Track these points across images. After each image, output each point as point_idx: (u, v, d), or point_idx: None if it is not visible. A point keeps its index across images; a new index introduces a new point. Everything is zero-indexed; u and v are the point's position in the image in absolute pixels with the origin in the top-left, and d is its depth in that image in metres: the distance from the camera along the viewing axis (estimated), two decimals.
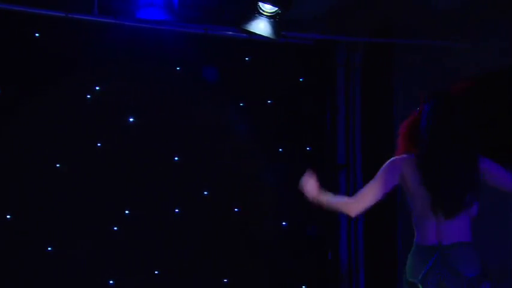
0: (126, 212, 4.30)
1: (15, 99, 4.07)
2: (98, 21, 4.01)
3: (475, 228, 2.72)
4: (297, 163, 4.72)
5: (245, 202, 4.57)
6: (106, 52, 4.22)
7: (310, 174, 2.89)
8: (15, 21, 4.00)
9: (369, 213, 4.97)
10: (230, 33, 4.30)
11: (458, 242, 2.63)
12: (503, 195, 2.89)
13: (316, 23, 4.67)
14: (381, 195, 2.83)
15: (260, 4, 3.52)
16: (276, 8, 3.52)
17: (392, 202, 5.01)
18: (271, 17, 3.56)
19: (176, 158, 4.43)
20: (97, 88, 4.25)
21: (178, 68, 4.45)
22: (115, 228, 4.25)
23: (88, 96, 4.24)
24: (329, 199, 2.88)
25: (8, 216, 4.03)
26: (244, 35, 3.99)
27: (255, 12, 3.55)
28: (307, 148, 4.78)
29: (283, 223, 4.62)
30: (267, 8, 3.54)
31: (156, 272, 4.30)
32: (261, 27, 3.66)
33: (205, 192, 4.50)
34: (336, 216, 4.83)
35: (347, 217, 4.90)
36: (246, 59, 4.61)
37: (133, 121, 4.33)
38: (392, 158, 2.88)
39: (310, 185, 2.88)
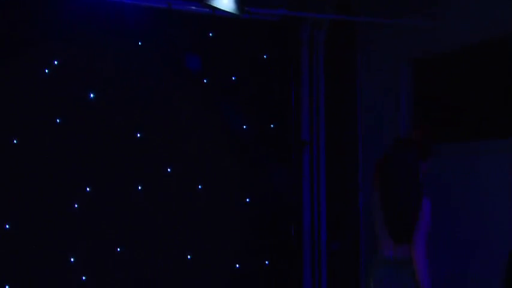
0: (88, 189, 4.24)
1: None
2: None
3: None
4: (261, 140, 4.74)
5: (209, 179, 4.56)
6: (66, 26, 4.10)
7: None
8: None
9: (332, 193, 5.08)
10: (193, 8, 4.24)
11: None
12: None
13: (281, 0, 4.64)
14: None
15: None
16: None
17: (353, 178, 5.10)
18: None
19: (138, 135, 4.38)
20: (56, 63, 4.14)
21: (140, 43, 4.37)
22: (76, 205, 4.19)
23: (46, 71, 4.13)
24: None
25: None
26: (208, 10, 3.93)
27: None
28: (271, 125, 4.80)
29: (247, 199, 4.65)
30: None
31: (118, 250, 4.27)
32: (224, 2, 3.62)
33: (169, 169, 4.47)
34: (299, 194, 4.89)
35: (309, 192, 4.98)
36: (210, 34, 4.56)
37: (93, 97, 4.24)
38: None
39: None
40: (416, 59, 4.75)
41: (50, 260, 4.10)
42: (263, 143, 4.76)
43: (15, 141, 4.07)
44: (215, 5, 3.61)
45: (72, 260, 4.15)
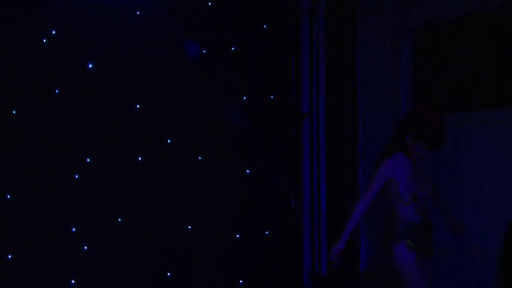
0: (88, 160, 4.24)
1: None
2: None
3: None
4: (260, 111, 4.73)
5: (209, 150, 4.56)
6: None
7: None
8: None
9: (332, 164, 5.09)
10: None
11: None
12: None
13: None
14: None
15: None
16: None
17: (353, 149, 5.11)
18: None
19: (138, 106, 4.37)
20: (54, 32, 4.11)
21: (138, 13, 4.32)
22: (76, 176, 4.20)
23: (44, 40, 4.10)
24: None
25: None
26: None
27: None
28: (271, 96, 4.78)
29: (247, 171, 4.66)
30: None
31: (119, 220, 4.30)
32: None
33: (169, 141, 4.47)
34: (299, 165, 4.90)
35: (309, 163, 4.99)
36: (209, 4, 4.51)
37: (92, 67, 4.22)
38: None
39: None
40: (416, 29, 4.71)
41: (52, 230, 4.13)
42: (263, 114, 4.75)
43: (14, 112, 4.06)
44: None
45: (73, 229, 4.18)
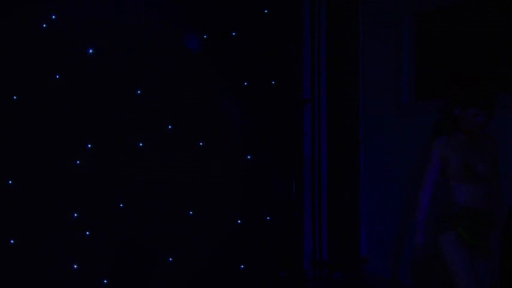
0: (89, 145, 4.24)
1: None
2: None
3: None
4: (262, 97, 4.72)
5: (210, 136, 4.56)
6: None
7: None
8: None
9: (333, 150, 5.08)
10: None
11: None
12: None
13: None
14: None
15: None
16: None
17: (355, 135, 5.10)
18: None
19: (139, 91, 4.35)
20: (53, 17, 4.08)
21: None
22: (77, 162, 4.20)
23: (44, 25, 4.07)
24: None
25: None
26: None
27: None
28: (272, 82, 4.76)
29: (248, 157, 4.65)
30: None
31: (120, 205, 4.30)
32: None
33: (170, 126, 4.46)
34: (300, 151, 4.90)
35: (310, 149, 4.98)
36: None
37: (92, 52, 4.20)
38: None
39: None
40: (419, 12, 4.68)
41: (54, 215, 4.14)
42: (264, 100, 4.74)
43: (14, 97, 4.05)
44: None
45: (75, 215, 4.19)
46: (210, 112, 4.52)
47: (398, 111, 4.84)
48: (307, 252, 5.07)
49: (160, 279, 4.40)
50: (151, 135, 4.40)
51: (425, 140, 4.38)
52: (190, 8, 4.43)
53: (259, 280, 4.64)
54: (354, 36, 5.15)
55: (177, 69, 4.41)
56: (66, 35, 4.12)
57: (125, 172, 4.32)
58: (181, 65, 4.42)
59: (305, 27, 5.03)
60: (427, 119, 4.47)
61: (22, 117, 4.08)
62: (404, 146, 4.74)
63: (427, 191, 3.05)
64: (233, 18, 4.56)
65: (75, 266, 4.17)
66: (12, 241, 4.05)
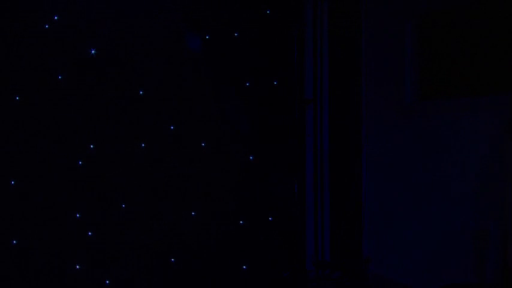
0: (91, 146, 4.25)
1: None
2: None
3: None
4: (263, 97, 4.72)
5: (212, 137, 4.56)
6: None
7: None
8: None
9: (335, 150, 5.08)
10: None
11: None
12: None
13: None
14: None
15: None
16: None
17: (357, 136, 5.09)
18: None
19: (141, 92, 4.36)
20: (56, 18, 4.09)
21: None
22: (80, 162, 4.21)
23: (47, 26, 4.08)
24: None
25: None
26: None
27: None
28: (274, 82, 4.76)
29: (250, 157, 4.66)
30: None
31: (123, 206, 4.31)
32: None
33: (172, 127, 4.47)
34: (302, 151, 4.89)
35: (312, 149, 4.98)
36: None
37: (95, 53, 4.21)
38: None
39: None
40: (421, 15, 4.68)
41: (56, 216, 4.15)
42: (266, 100, 4.74)
43: (17, 98, 4.06)
44: None
45: (78, 215, 4.19)
46: (212, 113, 4.53)
47: (401, 112, 4.84)
48: (310, 253, 5.07)
49: (162, 280, 4.40)
50: (153, 135, 4.41)
51: (429, 140, 4.39)
52: (192, 8, 4.44)
53: (261, 281, 4.65)
54: (355, 37, 5.14)
55: (179, 70, 4.42)
56: (68, 35, 4.14)
57: (127, 173, 4.33)
58: (183, 65, 4.42)
59: (307, 28, 5.03)
60: (429, 119, 4.47)
61: (24, 117, 4.09)
62: (407, 146, 4.73)
63: None
64: (235, 18, 4.56)
65: (78, 267, 4.18)
66: (14, 241, 4.06)
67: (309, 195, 5.06)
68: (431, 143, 4.44)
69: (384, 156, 4.98)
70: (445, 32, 4.46)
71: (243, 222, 4.62)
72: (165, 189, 4.43)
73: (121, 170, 4.32)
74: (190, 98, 4.46)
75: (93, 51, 4.21)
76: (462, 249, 4.07)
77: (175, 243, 4.48)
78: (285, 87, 4.79)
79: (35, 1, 4.03)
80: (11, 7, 3.99)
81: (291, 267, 4.67)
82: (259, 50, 4.67)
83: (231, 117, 4.61)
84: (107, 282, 4.23)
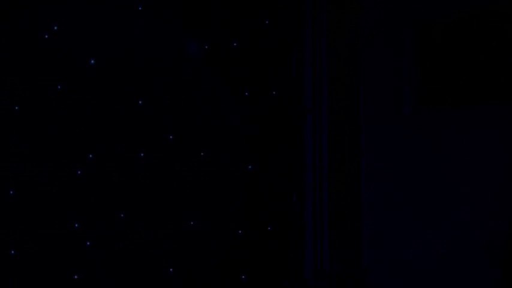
0: (90, 155, 4.25)
1: None
2: None
3: None
4: (263, 107, 4.73)
5: (211, 146, 4.56)
6: None
7: None
8: None
9: (334, 160, 5.08)
10: None
11: None
12: None
13: None
14: None
15: None
16: None
17: (356, 145, 5.10)
18: None
19: (140, 101, 4.36)
20: (55, 28, 4.10)
21: (140, 8, 4.32)
22: (78, 172, 4.21)
23: (46, 36, 4.09)
24: None
25: None
26: None
27: None
28: (273, 92, 4.77)
29: (249, 166, 4.66)
30: None
31: (121, 215, 4.30)
32: None
33: (171, 137, 4.47)
34: (301, 161, 4.90)
35: (311, 159, 4.98)
36: None
37: (94, 63, 4.21)
38: None
39: None
40: (420, 23, 4.69)
41: (54, 226, 4.14)
42: (265, 110, 4.75)
43: (16, 108, 4.07)
44: None
45: (76, 225, 4.19)
46: (211, 122, 4.53)
47: (400, 121, 4.85)
48: (308, 261, 5.06)
49: None
50: (152, 145, 4.41)
51: (429, 149, 4.39)
52: (191, 18, 4.45)
53: None
54: (354, 46, 5.16)
55: (179, 80, 4.43)
56: (68, 45, 4.15)
57: (126, 182, 4.32)
58: (182, 75, 4.43)
59: (306, 38, 5.04)
60: (428, 127, 4.47)
61: (24, 127, 4.09)
62: (406, 155, 4.73)
63: None
64: (234, 28, 4.58)
65: (76, 276, 4.17)
66: (12, 251, 4.05)
67: (308, 204, 5.06)
68: (431, 151, 4.44)
69: (383, 164, 4.98)
70: (445, 41, 4.47)
71: (241, 231, 4.61)
72: (163, 198, 4.43)
73: (120, 179, 4.31)
74: (189, 107, 4.47)
75: (92, 61, 4.22)
76: (465, 261, 4.07)
77: (174, 253, 4.47)
78: (284, 97, 4.81)
79: (35, 11, 4.05)
80: (11, 17, 4.00)
81: (290, 277, 4.66)
82: (258, 60, 4.69)
83: (230, 126, 4.61)
84: None
